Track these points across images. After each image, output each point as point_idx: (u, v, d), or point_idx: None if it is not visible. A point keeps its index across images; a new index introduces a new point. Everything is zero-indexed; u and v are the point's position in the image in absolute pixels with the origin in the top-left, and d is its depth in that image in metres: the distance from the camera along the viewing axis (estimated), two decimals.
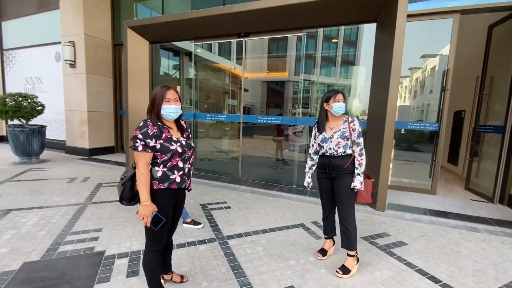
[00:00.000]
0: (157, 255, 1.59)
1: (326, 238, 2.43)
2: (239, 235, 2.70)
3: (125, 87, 5.05)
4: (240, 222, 3.01)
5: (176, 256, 2.24)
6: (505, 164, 3.84)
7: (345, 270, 2.09)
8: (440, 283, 2.02)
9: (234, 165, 5.37)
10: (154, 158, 1.51)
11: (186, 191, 1.72)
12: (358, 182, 2.07)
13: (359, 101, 6.21)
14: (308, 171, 2.38)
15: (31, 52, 7.68)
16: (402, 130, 4.69)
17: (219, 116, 5.48)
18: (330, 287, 1.94)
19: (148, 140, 1.44)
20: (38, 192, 3.78)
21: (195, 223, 2.85)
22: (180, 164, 1.57)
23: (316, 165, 2.34)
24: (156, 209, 1.48)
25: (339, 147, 2.09)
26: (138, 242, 2.46)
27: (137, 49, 5.17)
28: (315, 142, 2.27)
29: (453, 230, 3.00)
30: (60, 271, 2.01)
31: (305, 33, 4.30)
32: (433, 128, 4.20)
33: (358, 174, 2.08)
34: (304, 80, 5.89)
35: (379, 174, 3.38)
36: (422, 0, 4.08)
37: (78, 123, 6.46)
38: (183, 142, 1.58)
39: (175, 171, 1.54)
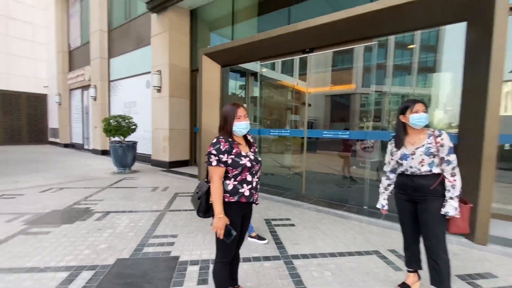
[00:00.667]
0: (226, 267, 1.64)
1: (408, 271, 2.09)
2: (305, 256, 2.56)
3: (199, 107, 5.62)
4: (305, 242, 2.88)
5: (242, 270, 2.26)
6: None
7: None
8: None
9: (297, 181, 5.26)
10: (226, 172, 1.59)
11: (254, 205, 1.75)
12: (451, 208, 1.74)
13: (444, 112, 5.38)
14: (384, 192, 2.12)
15: (128, 82, 9.37)
16: (507, 145, 3.82)
17: (282, 131, 5.52)
18: None
19: (221, 156, 1.54)
20: (129, 198, 4.44)
21: (259, 238, 2.85)
22: (249, 178, 1.61)
23: (393, 185, 2.08)
24: (228, 222, 1.53)
25: (422, 165, 1.81)
26: (207, 251, 2.59)
27: (210, 72, 5.73)
28: (392, 159, 2.02)
29: None
30: (143, 270, 2.26)
31: (376, 42, 4.03)
32: None
33: (451, 198, 1.75)
34: (375, 91, 5.47)
35: (477, 199, 2.78)
36: None
37: (161, 139, 7.44)
38: (251, 157, 1.63)
39: (244, 185, 1.59)
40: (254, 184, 1.64)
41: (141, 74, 8.75)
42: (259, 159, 1.69)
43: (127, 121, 6.54)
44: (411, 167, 1.87)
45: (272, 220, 3.54)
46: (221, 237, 1.51)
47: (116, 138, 6.66)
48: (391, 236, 3.06)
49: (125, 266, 2.32)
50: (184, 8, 7.35)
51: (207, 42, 7.42)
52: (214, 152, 1.54)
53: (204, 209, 1.64)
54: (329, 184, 5.47)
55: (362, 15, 3.44)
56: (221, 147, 1.55)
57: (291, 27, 4.13)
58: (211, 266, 2.31)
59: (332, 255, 2.60)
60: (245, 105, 6.49)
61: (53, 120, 14.37)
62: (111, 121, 6.37)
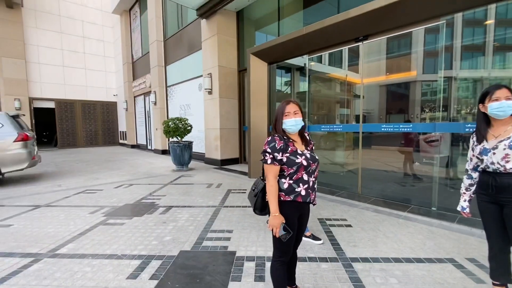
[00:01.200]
0: (284, 266, 1.63)
1: (494, 285, 1.79)
2: (365, 259, 2.40)
3: (248, 106, 5.74)
4: (364, 245, 2.70)
5: (298, 270, 2.21)
6: None
7: None
8: None
9: (351, 179, 4.97)
10: (281, 170, 1.57)
11: (311, 205, 1.69)
12: None
13: None
14: (465, 193, 1.86)
15: (182, 86, 10.10)
16: None
17: (334, 127, 5.27)
18: None
19: (276, 154, 1.52)
20: (188, 193, 4.78)
21: (314, 238, 2.77)
22: (305, 177, 1.56)
23: (475, 185, 1.80)
24: (284, 221, 1.51)
25: (507, 161, 1.57)
26: (262, 248, 2.63)
27: (258, 71, 5.79)
28: (473, 155, 1.76)
29: None
30: (204, 262, 2.40)
31: (444, 21, 3.53)
32: None
33: None
34: (444, 77, 4.86)
35: None
36: None
37: (213, 139, 7.84)
38: (308, 155, 1.58)
39: (301, 184, 1.55)
40: (311, 184, 1.59)
41: (193, 78, 9.33)
42: (317, 157, 1.63)
43: (183, 123, 7.05)
44: (492, 163, 1.62)
45: (327, 219, 3.41)
46: (277, 235, 1.50)
47: (174, 139, 7.24)
48: (469, 243, 2.66)
49: (188, 258, 2.50)
50: (231, 11, 7.56)
51: (254, 41, 7.52)
52: (269, 150, 1.53)
53: (260, 207, 1.65)
54: (389, 183, 5.03)
55: None
56: (276, 145, 1.53)
57: (342, 15, 3.89)
58: (267, 264, 2.34)
59: (397, 260, 2.38)
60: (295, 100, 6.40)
61: (122, 124, 16.38)
62: (169, 123, 6.96)
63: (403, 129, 4.13)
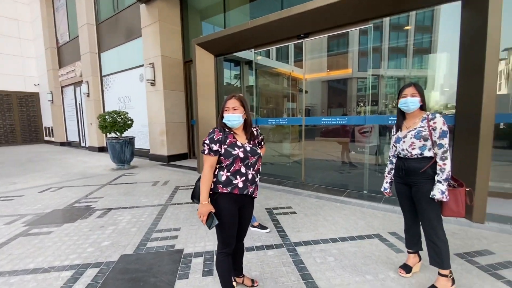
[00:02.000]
0: (228, 258, 1.65)
1: (409, 253, 2.13)
2: (307, 243, 2.60)
3: (195, 99, 5.55)
4: (307, 229, 2.91)
5: (246, 259, 2.29)
6: None
7: None
8: None
9: (296, 169, 5.28)
10: (220, 162, 1.60)
11: (257, 197, 1.75)
12: (437, 191, 1.75)
13: (441, 93, 5.36)
14: (387, 176, 2.15)
15: (121, 76, 9.20)
16: (502, 124, 3.83)
17: (280, 120, 5.49)
18: None
19: (212, 145, 1.56)
20: (130, 193, 4.44)
21: (262, 227, 2.88)
22: (243, 169, 1.61)
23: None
24: (213, 210, 1.56)
25: (413, 148, 1.84)
26: (211, 243, 2.62)
27: (204, 63, 5.63)
28: (394, 144, 2.04)
29: None
30: (148, 264, 2.28)
31: (371, 25, 3.95)
32: None
33: (439, 181, 1.76)
34: (372, 75, 5.43)
35: (475, 178, 2.81)
36: None
37: (159, 133, 7.39)
38: (248, 148, 1.62)
39: (238, 176, 1.59)
40: (249, 177, 1.63)
41: (134, 68, 8.58)
42: (258, 151, 1.67)
43: (122, 116, 6.46)
44: (403, 150, 1.91)
45: (274, 209, 3.57)
46: (204, 223, 1.56)
47: (112, 134, 6.59)
48: (392, 219, 3.11)
49: (130, 262, 2.34)
50: None
51: (199, 32, 7.25)
52: (207, 141, 1.58)
53: (199, 195, 1.65)
54: (329, 171, 5.50)
55: None
56: (214, 136, 1.58)
57: (285, 12, 4.03)
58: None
59: (334, 240, 2.64)
60: (241, 95, 6.41)
61: (47, 119, 14.19)
62: (106, 117, 6.29)
63: (339, 122, 4.54)
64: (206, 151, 1.58)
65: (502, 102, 4.38)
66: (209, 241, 2.67)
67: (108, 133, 6.52)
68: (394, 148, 2.03)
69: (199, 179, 1.68)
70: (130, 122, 6.60)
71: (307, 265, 2.20)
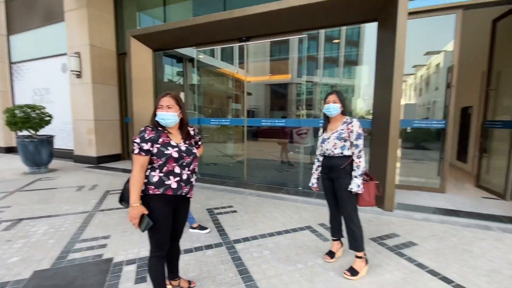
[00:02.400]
0: (161, 261, 1.60)
1: (333, 240, 2.40)
2: (246, 239, 2.68)
3: (130, 95, 5.13)
4: (246, 226, 3.00)
5: (183, 261, 2.24)
6: None
7: (353, 272, 2.06)
8: (452, 284, 1.97)
9: (239, 169, 5.37)
10: (152, 162, 1.54)
11: (191, 197, 1.73)
12: (354, 185, 2.04)
13: (364, 101, 6.17)
14: (314, 172, 2.38)
15: (38, 64, 7.86)
16: (408, 128, 4.63)
17: (223, 120, 5.50)
18: None
19: (143, 144, 1.50)
20: (47, 201, 3.84)
21: (201, 228, 2.85)
22: (177, 170, 1.57)
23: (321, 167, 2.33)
24: (146, 212, 1.50)
25: (335, 148, 2.10)
26: (145, 248, 2.47)
27: (141, 57, 5.25)
28: (320, 144, 2.27)
29: (465, 229, 2.94)
30: (69, 278, 2.03)
31: (306, 35, 4.31)
32: (440, 125, 4.14)
33: (355, 176, 2.05)
34: (307, 81, 5.87)
35: (385, 173, 3.34)
36: None
37: (86, 132, 6.56)
38: (182, 148, 1.59)
39: (171, 177, 1.55)
40: (184, 177, 1.59)
41: (54, 56, 7.44)
42: (194, 151, 1.65)
43: (38, 111, 5.52)
44: (327, 149, 2.15)
45: (215, 209, 3.56)
46: (136, 226, 1.50)
47: (25, 132, 5.59)
48: (322, 212, 3.44)
49: (46, 278, 2.04)
50: None
51: (136, 23, 6.72)
52: (137, 140, 1.51)
53: (128, 198, 1.56)
54: (269, 170, 5.75)
55: (292, 8, 3.61)
56: (146, 135, 1.52)
57: (227, 13, 4.06)
58: None
59: (271, 235, 2.79)
60: (182, 94, 6.18)
61: None
62: (16, 111, 5.29)
63: (278, 124, 4.80)
64: (136, 151, 1.50)
65: (410, 110, 5.26)
66: (143, 247, 2.51)
67: (19, 131, 5.50)
68: (321, 148, 2.26)
69: (128, 181, 1.59)
70: (48, 118, 5.68)
71: (244, 261, 2.28)
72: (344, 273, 2.06)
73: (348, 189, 2.06)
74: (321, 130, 2.31)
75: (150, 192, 1.52)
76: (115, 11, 6.80)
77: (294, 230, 2.91)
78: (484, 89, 4.54)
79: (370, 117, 4.30)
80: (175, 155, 1.54)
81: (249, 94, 5.40)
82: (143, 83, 5.30)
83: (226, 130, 7.41)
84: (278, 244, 2.58)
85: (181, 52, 6.74)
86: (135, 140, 1.51)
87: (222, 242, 2.62)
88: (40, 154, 5.53)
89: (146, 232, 1.51)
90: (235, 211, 3.47)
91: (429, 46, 4.81)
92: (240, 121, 5.18)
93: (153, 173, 1.53)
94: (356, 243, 2.09)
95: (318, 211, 3.47)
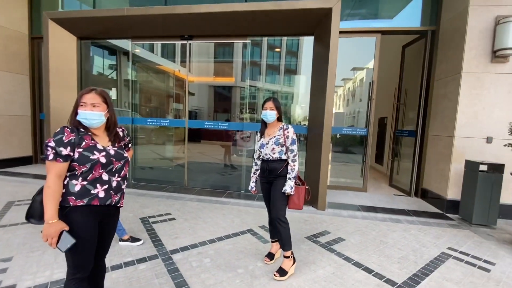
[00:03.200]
0: (82, 283, 1.36)
1: (272, 242, 2.47)
2: (185, 248, 2.54)
3: (46, 87, 4.35)
4: (185, 234, 2.85)
5: (110, 280, 1.98)
6: (418, 163, 4.55)
7: (282, 272, 2.12)
8: (373, 273, 2.25)
9: (179, 173, 5.11)
10: (72, 170, 1.31)
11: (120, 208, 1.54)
12: (288, 187, 2.13)
13: (301, 108, 6.62)
14: (253, 176, 2.42)
15: None
16: (338, 134, 5.16)
17: (161, 121, 5.16)
18: None
19: (61, 148, 1.26)
20: None
21: (133, 239, 2.58)
22: (105, 176, 1.37)
23: (259, 170, 2.37)
24: (67, 228, 1.26)
25: (274, 153, 2.19)
26: (61, 270, 2.10)
27: (62, 44, 4.52)
28: (258, 149, 2.31)
29: (381, 223, 3.40)
30: None
31: (250, 41, 4.39)
32: (363, 132, 4.73)
33: (290, 178, 2.15)
34: (250, 86, 5.99)
35: (319, 175, 3.63)
36: (352, 19, 4.59)
37: None
38: (111, 152, 1.40)
39: (98, 185, 1.35)
40: (114, 184, 1.41)
41: None
42: (125, 155, 1.48)
43: None
44: (266, 154, 2.22)
45: (150, 217, 3.28)
46: (54, 246, 1.25)
47: None
48: (263, 214, 3.51)
49: None
50: None
51: (56, 4, 5.78)
52: (52, 144, 1.25)
53: (39, 213, 1.30)
54: (212, 174, 5.63)
55: (235, 13, 3.64)
56: (64, 137, 1.27)
57: (169, 8, 3.84)
58: None
59: (212, 241, 2.72)
60: (113, 90, 5.59)
61: None
62: None
63: (221, 127, 4.75)
64: (51, 156, 1.25)
65: (339, 118, 5.87)
66: (58, 267, 2.13)
67: None
68: (259, 152, 2.31)
69: (38, 193, 1.33)
70: None
71: (182, 272, 2.15)
72: (274, 274, 2.11)
73: (282, 191, 2.15)
74: (258, 135, 2.37)
75: (71, 203, 1.28)
76: None
77: (236, 234, 2.90)
78: (395, 103, 5.40)
79: (306, 123, 4.63)
80: (103, 160, 1.35)
81: (191, 94, 5.20)
82: (64, 75, 4.57)
83: (165, 131, 6.97)
84: (218, 251, 2.52)
85: (115, 44, 6.08)
86: (48, 144, 1.25)
87: (158, 254, 2.42)
88: None
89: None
90: (173, 219, 3.27)
91: (355, 62, 5.48)
92: (181, 122, 4.94)
93: (74, 182, 1.30)
94: (282, 243, 2.18)
95: (260, 214, 3.54)
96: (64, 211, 1.29)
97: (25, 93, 5.83)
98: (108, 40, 5.36)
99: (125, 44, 5.68)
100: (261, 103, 2.28)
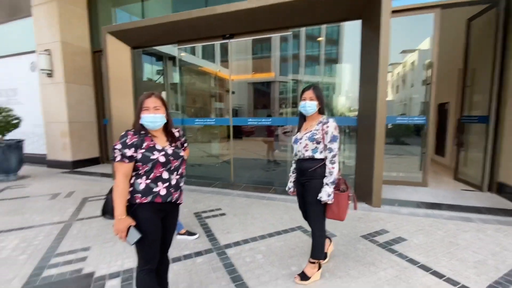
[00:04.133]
0: (151, 275, 1.47)
1: None
2: (237, 243, 2.60)
3: (107, 95, 4.84)
4: (236, 229, 2.91)
5: (172, 272, 2.12)
6: (492, 152, 3.93)
7: (303, 276, 1.97)
8: (444, 278, 2.00)
9: (225, 170, 5.26)
10: (137, 169, 1.41)
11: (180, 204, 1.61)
12: (324, 194, 1.82)
13: (346, 98, 6.25)
14: (291, 175, 2.18)
15: (3, 63, 7.26)
16: (389, 125, 4.74)
17: (207, 120, 5.35)
18: None
19: (126, 150, 1.37)
20: (17, 211, 3.53)
21: (189, 233, 2.72)
22: (165, 175, 1.46)
23: None
24: (133, 223, 1.37)
25: (306, 150, 1.90)
26: (130, 260, 2.31)
27: (118, 55, 4.97)
28: (293, 144, 2.08)
29: (449, 222, 3.03)
30: None
31: (291, 32, 4.26)
32: (421, 121, 4.25)
33: (327, 184, 1.83)
34: (290, 80, 5.84)
35: (372, 169, 3.37)
36: None
37: (59, 135, 6.15)
38: (169, 151, 1.48)
39: (160, 183, 1.44)
40: (173, 182, 1.49)
41: (21, 54, 6.90)
42: (181, 154, 1.54)
43: (4, 114, 5.08)
44: (299, 151, 1.95)
45: (202, 212, 3.44)
46: (124, 240, 1.37)
47: None
48: None
49: None
50: None
51: (112, 19, 6.38)
52: (118, 146, 1.38)
53: (112, 210, 1.41)
54: (256, 170, 5.69)
55: (276, 5, 3.55)
56: (128, 140, 1.39)
57: (209, 9, 3.92)
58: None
59: (262, 237, 2.72)
60: (163, 93, 5.96)
61: None
62: None
63: (264, 123, 4.73)
64: (119, 158, 1.37)
65: (390, 106, 5.38)
66: (128, 257, 2.35)
67: None
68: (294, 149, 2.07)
69: (110, 191, 1.46)
70: (16, 121, 5.25)
71: (237, 267, 2.19)
72: (295, 277, 1.98)
73: (318, 198, 1.85)
74: (296, 129, 2.10)
75: (137, 201, 1.39)
76: (88, 6, 6.41)
77: (285, 231, 2.86)
78: (461, 86, 4.74)
79: (353, 114, 4.34)
80: (162, 159, 1.43)
81: (232, 92, 5.30)
82: (121, 83, 5.03)
83: (210, 129, 7.25)
84: (270, 247, 2.51)
85: (161, 50, 6.48)
86: (115, 147, 1.38)
87: (212, 248, 2.51)
88: (8, 160, 5.09)
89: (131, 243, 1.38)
90: (223, 214, 3.37)
91: (405, 44, 4.94)
92: (226, 120, 5.05)
93: (139, 181, 1.41)
94: (314, 250, 1.97)
95: None
96: (132, 208, 1.40)
97: (90, 102, 6.59)
98: (156, 47, 5.73)
99: (170, 49, 6.02)
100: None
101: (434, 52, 4.04)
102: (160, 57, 7.80)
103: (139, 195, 1.39)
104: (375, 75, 3.30)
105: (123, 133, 1.42)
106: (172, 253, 2.40)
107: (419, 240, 2.60)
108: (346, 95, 6.62)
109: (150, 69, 7.98)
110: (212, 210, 3.50)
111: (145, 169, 1.40)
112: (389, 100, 6.78)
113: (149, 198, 1.40)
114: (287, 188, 2.22)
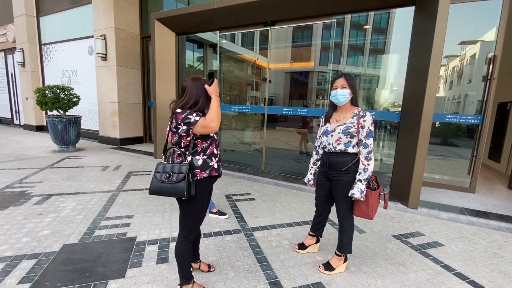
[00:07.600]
0: (190, 245, 1.63)
1: (309, 235, 2.28)
2: (264, 227, 2.68)
3: (153, 79, 5.18)
4: (264, 214, 3.00)
5: (203, 245, 2.28)
6: None
7: (328, 266, 1.98)
8: None
9: (257, 157, 5.36)
10: (194, 146, 1.52)
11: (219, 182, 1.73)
12: (357, 190, 1.75)
13: (391, 92, 5.85)
14: (312, 167, 2.13)
15: (67, 46, 8.12)
16: (437, 123, 4.37)
17: (243, 107, 5.45)
18: (360, 286, 1.86)
19: (195, 114, 1.46)
20: (75, 178, 4.03)
21: (220, 213, 2.88)
22: (215, 150, 1.61)
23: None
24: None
25: (338, 144, 1.81)
26: (166, 230, 2.54)
27: (164, 41, 5.24)
28: (320, 135, 1.99)
29: (496, 232, 2.76)
30: (96, 254, 2.12)
31: (335, 20, 4.08)
32: (475, 121, 3.86)
33: (360, 180, 1.75)
34: (332, 70, 5.65)
35: (412, 169, 3.18)
36: None
37: (110, 114, 6.78)
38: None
39: (213, 158, 1.58)
40: (219, 157, 1.65)
41: (82, 38, 7.64)
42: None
43: (66, 92, 5.74)
44: (329, 143, 1.86)
45: (233, 195, 3.59)
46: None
47: (54, 112, 5.85)
48: None
49: (74, 252, 2.15)
50: None
51: (160, 6, 6.70)
52: (190, 113, 1.45)
53: (190, 189, 1.48)
54: (287, 160, 5.69)
55: None
56: (194, 113, 1.47)
57: None
58: (171, 244, 2.28)
59: (289, 225, 2.77)
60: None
61: None
62: (46, 91, 5.53)
63: (300, 113, 4.68)
64: (198, 117, 1.43)
65: (439, 103, 4.95)
66: (164, 228, 2.58)
67: (48, 110, 5.76)
68: (321, 140, 1.98)
69: (170, 176, 1.48)
70: (76, 99, 5.91)
71: (263, 249, 2.28)
72: (319, 266, 2.00)
73: (349, 195, 1.78)
74: (322, 120, 1.99)
75: (198, 176, 1.52)
76: None
77: None
78: None
79: (396, 109, 4.08)
80: (216, 136, 1.60)
81: (269, 81, 5.29)
82: (166, 68, 5.33)
83: (244, 117, 7.37)
84: (296, 235, 2.56)
85: (202, 37, 6.65)
86: (187, 115, 1.43)
87: (241, 229, 2.63)
88: (68, 133, 5.79)
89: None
90: (253, 199, 3.48)
91: (464, 35, 4.44)
92: (261, 108, 5.10)
93: (197, 157, 1.53)
94: (340, 246, 1.96)
95: None
96: (194, 183, 1.49)
97: (138, 85, 7.10)
98: (198, 34, 5.90)
99: (211, 36, 6.15)
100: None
101: (498, 44, 3.58)
102: (201, 44, 8.03)
103: (199, 170, 1.52)
104: (425, 67, 3.04)
105: (187, 111, 1.47)
106: (203, 229, 2.58)
107: (458, 247, 2.43)
108: (390, 89, 6.22)
109: (191, 56, 8.27)
110: (242, 194, 3.64)
111: (204, 145, 1.53)
112: (440, 97, 6.22)
113: (207, 172, 1.54)
114: (306, 180, 2.18)
